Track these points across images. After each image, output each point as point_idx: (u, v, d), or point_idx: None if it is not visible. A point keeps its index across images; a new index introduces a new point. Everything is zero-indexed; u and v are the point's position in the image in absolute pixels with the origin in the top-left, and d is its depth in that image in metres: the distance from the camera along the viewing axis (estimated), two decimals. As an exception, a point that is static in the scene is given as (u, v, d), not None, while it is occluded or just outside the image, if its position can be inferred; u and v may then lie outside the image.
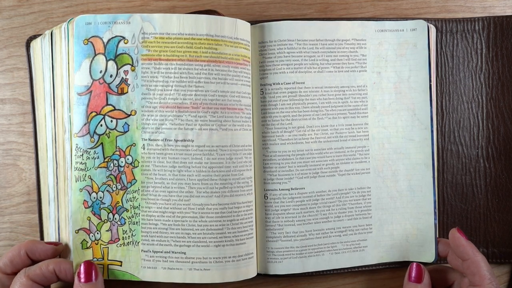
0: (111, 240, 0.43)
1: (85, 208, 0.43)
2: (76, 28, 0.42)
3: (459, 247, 0.42)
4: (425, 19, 0.48)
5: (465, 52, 0.49)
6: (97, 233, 0.43)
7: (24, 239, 0.48)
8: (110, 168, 0.43)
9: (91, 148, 0.43)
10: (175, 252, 0.43)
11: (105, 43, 0.43)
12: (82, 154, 0.43)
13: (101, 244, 0.43)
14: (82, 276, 0.40)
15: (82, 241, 0.43)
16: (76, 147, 0.43)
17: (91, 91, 0.43)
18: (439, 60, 0.49)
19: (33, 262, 0.42)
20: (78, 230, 0.43)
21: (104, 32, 0.43)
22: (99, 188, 0.43)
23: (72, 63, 0.43)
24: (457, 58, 0.49)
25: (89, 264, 0.41)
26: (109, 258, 0.43)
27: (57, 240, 0.45)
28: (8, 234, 0.48)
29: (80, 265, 0.41)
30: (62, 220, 0.44)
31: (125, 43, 0.43)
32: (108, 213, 0.43)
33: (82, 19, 0.43)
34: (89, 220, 0.43)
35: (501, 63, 0.49)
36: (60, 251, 0.43)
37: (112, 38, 0.43)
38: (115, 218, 0.43)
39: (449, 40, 0.49)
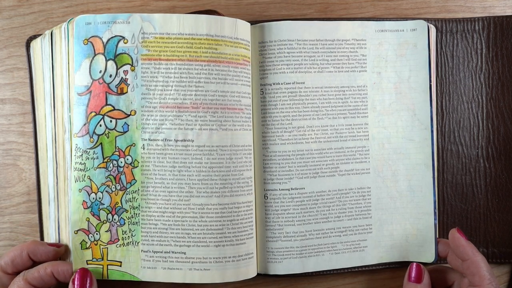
0: (110, 240, 0.43)
1: (84, 208, 0.43)
2: (76, 28, 0.42)
3: (459, 247, 0.41)
4: (425, 19, 0.48)
5: (465, 52, 0.49)
6: (96, 234, 0.43)
7: (24, 239, 0.48)
8: (109, 169, 0.43)
9: (90, 148, 0.43)
10: (175, 252, 0.43)
11: (105, 43, 0.43)
12: (82, 154, 0.42)
13: (100, 244, 0.43)
14: (76, 283, 0.40)
15: (81, 241, 0.43)
16: (76, 147, 0.43)
17: (90, 91, 0.43)
18: (439, 60, 0.49)
19: (34, 263, 0.42)
20: (77, 230, 0.43)
21: (103, 32, 0.43)
22: (98, 189, 0.43)
23: (72, 63, 0.43)
24: (457, 58, 0.49)
25: (84, 272, 0.41)
26: (108, 259, 0.43)
27: (57, 240, 0.45)
28: (8, 234, 0.48)
29: (76, 272, 0.41)
30: (62, 220, 0.44)
31: (125, 43, 0.43)
32: (107, 214, 0.43)
33: (82, 19, 0.43)
34: (88, 221, 0.43)
35: (501, 63, 0.49)
36: (62, 252, 0.43)
37: (112, 38, 0.43)
38: (114, 219, 0.43)
39: (449, 40, 0.49)
